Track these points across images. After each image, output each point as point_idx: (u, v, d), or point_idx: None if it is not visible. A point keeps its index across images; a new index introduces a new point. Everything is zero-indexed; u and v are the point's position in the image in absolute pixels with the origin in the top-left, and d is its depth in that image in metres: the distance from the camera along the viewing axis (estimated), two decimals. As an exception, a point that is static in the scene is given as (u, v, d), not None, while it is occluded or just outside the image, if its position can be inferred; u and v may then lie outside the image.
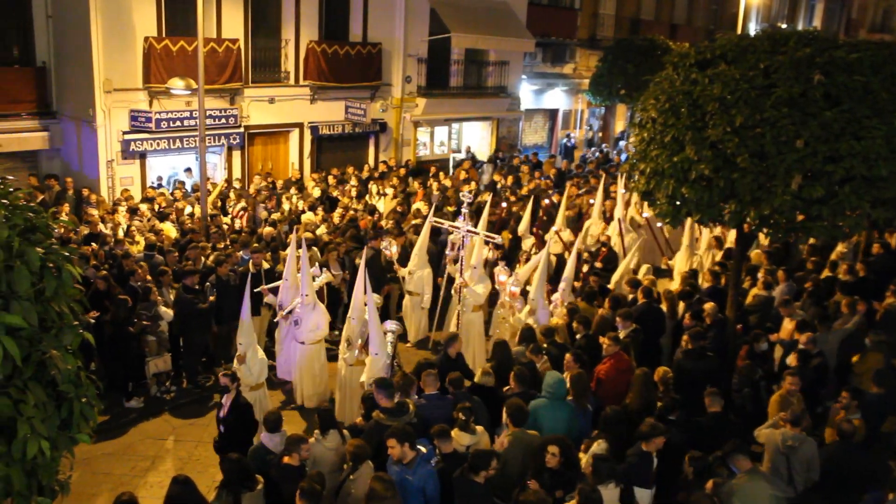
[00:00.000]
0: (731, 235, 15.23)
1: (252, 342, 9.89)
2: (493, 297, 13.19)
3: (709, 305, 11.06)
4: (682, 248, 14.89)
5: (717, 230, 15.13)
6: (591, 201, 17.31)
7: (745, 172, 8.51)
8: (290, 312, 11.15)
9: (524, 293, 12.26)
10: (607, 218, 16.80)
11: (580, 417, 8.54)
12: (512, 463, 7.58)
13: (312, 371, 11.23)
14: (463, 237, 12.52)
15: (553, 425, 8.11)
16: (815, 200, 8.32)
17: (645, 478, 7.61)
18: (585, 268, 13.84)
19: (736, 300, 10.78)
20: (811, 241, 14.28)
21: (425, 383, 8.43)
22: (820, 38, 9.17)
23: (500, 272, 12.76)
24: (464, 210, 12.89)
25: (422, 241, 13.30)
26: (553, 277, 13.45)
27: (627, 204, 16.52)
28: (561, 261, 14.77)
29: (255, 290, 11.29)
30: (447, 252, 13.75)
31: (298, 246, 10.98)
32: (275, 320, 11.99)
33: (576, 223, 16.94)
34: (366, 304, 10.21)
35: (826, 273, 13.60)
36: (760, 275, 12.70)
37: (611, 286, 13.30)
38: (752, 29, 40.55)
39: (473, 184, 21.17)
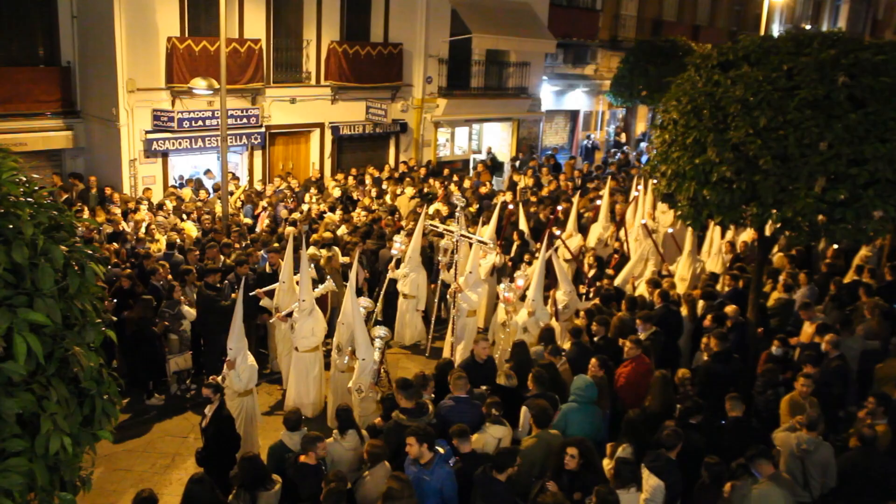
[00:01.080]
0: (741, 238, 15.08)
1: (242, 347, 9.55)
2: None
3: (730, 308, 10.98)
4: (683, 254, 14.23)
5: (729, 235, 14.94)
6: (598, 202, 17.02)
7: (767, 175, 8.44)
8: (288, 315, 10.91)
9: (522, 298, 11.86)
10: (618, 222, 16.31)
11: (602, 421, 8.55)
12: (534, 463, 7.58)
13: (306, 379, 10.88)
14: (456, 241, 12.07)
15: (582, 429, 8.10)
16: (839, 203, 8.24)
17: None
18: (592, 272, 13.63)
19: (757, 303, 10.69)
20: (834, 244, 14.14)
21: (455, 386, 8.40)
22: (845, 40, 9.08)
23: (507, 289, 11.60)
24: (457, 213, 12.54)
25: (415, 243, 13.17)
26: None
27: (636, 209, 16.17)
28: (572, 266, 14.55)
29: (251, 294, 11.23)
30: (439, 258, 13.39)
31: (297, 248, 10.85)
32: (270, 321, 11.73)
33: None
34: (364, 308, 10.15)
35: (850, 277, 13.45)
36: (782, 278, 12.59)
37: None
38: (776, 30, 40.23)
39: (489, 185, 21.14)
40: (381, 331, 10.52)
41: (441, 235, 13.13)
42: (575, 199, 16.63)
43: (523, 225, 15.75)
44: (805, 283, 12.52)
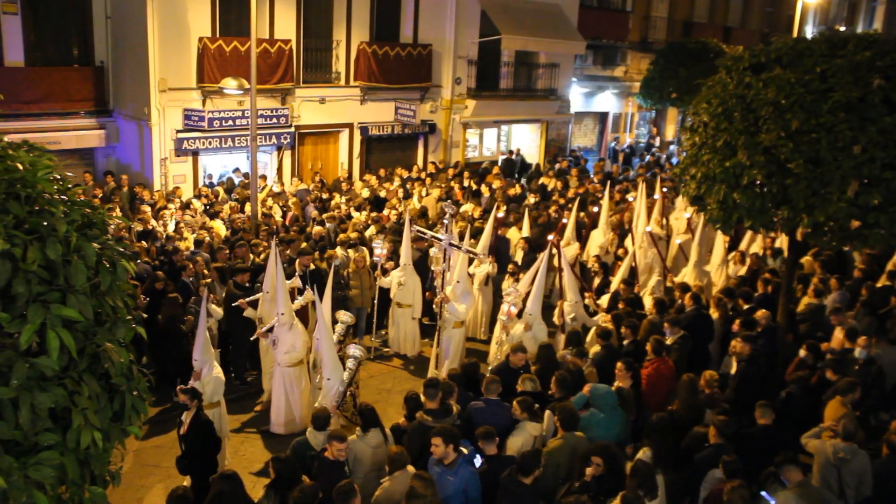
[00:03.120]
0: (752, 250, 14.70)
1: (209, 359, 9.12)
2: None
3: (761, 312, 10.85)
4: (689, 265, 13.76)
5: (743, 244, 14.65)
6: (595, 208, 16.14)
7: (799, 178, 8.35)
8: (269, 330, 10.31)
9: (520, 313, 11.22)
10: (625, 229, 15.68)
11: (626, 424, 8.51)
12: (559, 465, 7.56)
13: (287, 396, 10.30)
14: (445, 250, 11.56)
15: (606, 433, 8.06)
16: (872, 208, 8.13)
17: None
18: (596, 281, 13.24)
19: (787, 308, 10.57)
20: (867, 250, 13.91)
21: (487, 389, 8.40)
22: (881, 41, 8.97)
23: (512, 301, 11.09)
24: (445, 221, 11.81)
25: (406, 250, 12.61)
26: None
27: (650, 214, 15.41)
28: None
29: (234, 304, 10.94)
30: (433, 268, 12.84)
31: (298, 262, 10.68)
32: (251, 338, 11.05)
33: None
34: (337, 322, 9.68)
35: (883, 282, 13.24)
36: (813, 282, 12.42)
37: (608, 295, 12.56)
38: (809, 32, 39.74)
39: (518, 187, 21.08)
40: (356, 350, 9.67)
41: (423, 239, 12.73)
42: (574, 206, 15.93)
43: (527, 231, 15.31)
44: (836, 288, 12.35)
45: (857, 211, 8.21)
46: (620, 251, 14.74)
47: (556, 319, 11.61)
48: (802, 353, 10.12)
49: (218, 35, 18.79)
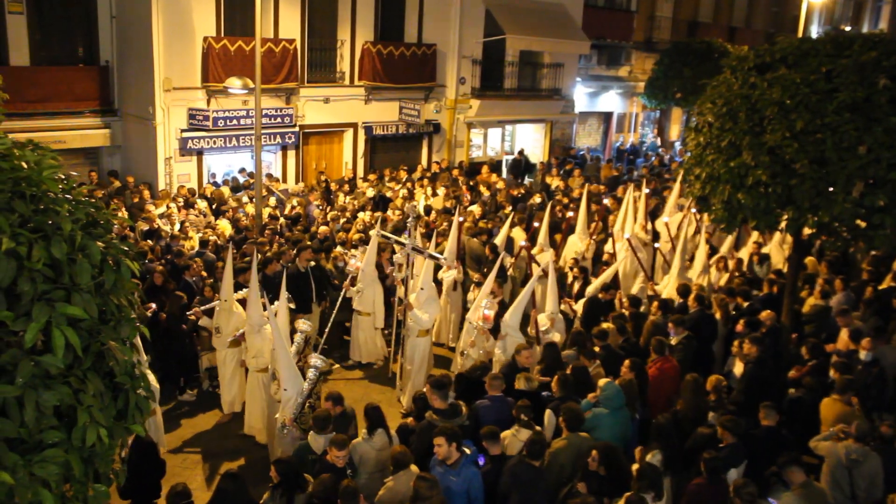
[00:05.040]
0: (739, 254, 14.48)
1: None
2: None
3: (765, 313, 10.84)
4: (671, 272, 13.21)
5: (724, 249, 14.46)
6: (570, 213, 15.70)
7: (804, 179, 8.34)
8: (241, 336, 10.07)
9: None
10: (608, 233, 14.81)
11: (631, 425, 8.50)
12: (563, 465, 7.56)
13: (259, 402, 10.08)
14: (409, 255, 11.11)
15: (610, 434, 8.06)
16: (878, 209, 8.11)
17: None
18: (576, 286, 12.90)
19: (791, 309, 10.55)
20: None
21: (491, 386, 8.45)
22: (886, 41, 8.95)
23: (488, 305, 10.45)
24: (408, 223, 11.30)
25: (370, 256, 12.16)
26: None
27: (635, 219, 14.89)
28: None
29: (189, 312, 10.74)
30: (395, 274, 12.12)
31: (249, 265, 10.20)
32: (215, 345, 10.81)
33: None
34: (302, 331, 9.39)
35: (888, 283, 13.22)
36: (818, 283, 12.39)
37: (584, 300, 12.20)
38: (814, 32, 39.67)
39: (522, 188, 21.08)
40: (317, 360, 9.04)
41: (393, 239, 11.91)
42: (545, 212, 15.04)
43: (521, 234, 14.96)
44: (841, 289, 12.32)
45: (862, 211, 8.20)
46: (606, 256, 13.99)
47: (530, 331, 11.00)
48: (803, 352, 10.11)
49: (223, 35, 18.81)
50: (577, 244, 15.04)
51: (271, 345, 9.59)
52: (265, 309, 9.43)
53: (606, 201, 17.10)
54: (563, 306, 11.60)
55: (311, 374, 8.83)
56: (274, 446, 9.53)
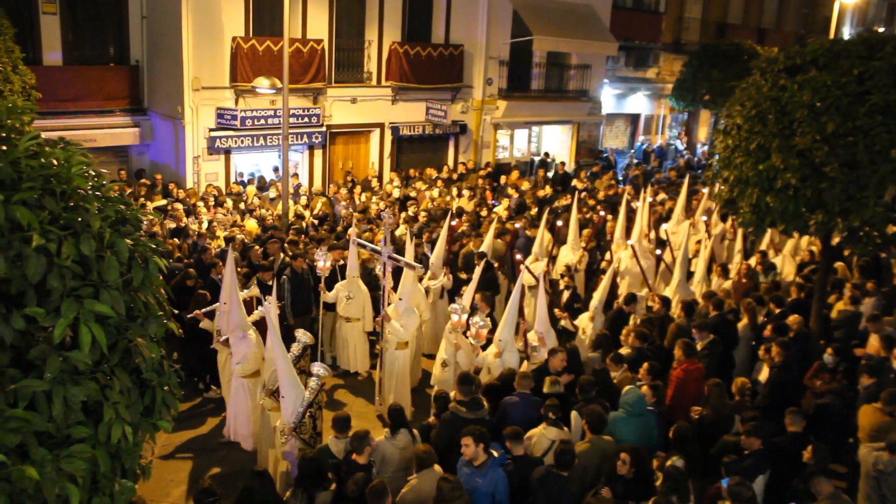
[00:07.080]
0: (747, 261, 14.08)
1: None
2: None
3: (793, 318, 10.71)
4: (673, 282, 12.93)
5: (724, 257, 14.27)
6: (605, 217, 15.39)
7: (834, 182, 8.24)
8: (227, 340, 9.80)
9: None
10: (607, 240, 14.69)
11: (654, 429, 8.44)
12: (587, 468, 7.54)
13: (244, 408, 9.80)
14: (384, 263, 10.61)
15: (631, 438, 8.01)
16: (910, 213, 7.99)
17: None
18: (565, 296, 12.35)
19: (820, 314, 10.42)
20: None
21: (520, 385, 8.50)
22: (920, 44, 8.80)
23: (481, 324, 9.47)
24: (383, 228, 10.85)
25: (352, 261, 11.56)
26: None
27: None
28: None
29: (189, 315, 10.39)
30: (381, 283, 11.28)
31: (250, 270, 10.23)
32: (211, 346, 10.53)
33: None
34: (302, 342, 9.11)
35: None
36: (847, 289, 12.23)
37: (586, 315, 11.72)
38: (846, 33, 39.12)
39: (549, 188, 20.99)
40: (319, 369, 8.61)
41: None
42: (542, 220, 14.47)
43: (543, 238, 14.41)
44: (873, 294, 12.15)
45: (894, 216, 8.08)
46: (604, 264, 13.64)
47: (518, 345, 10.28)
48: (827, 356, 9.96)
49: (251, 35, 18.95)
50: (570, 255, 14.44)
51: (258, 351, 9.48)
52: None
53: (602, 212, 16.40)
54: (562, 322, 11.10)
55: (312, 382, 8.47)
56: (264, 454, 9.37)
